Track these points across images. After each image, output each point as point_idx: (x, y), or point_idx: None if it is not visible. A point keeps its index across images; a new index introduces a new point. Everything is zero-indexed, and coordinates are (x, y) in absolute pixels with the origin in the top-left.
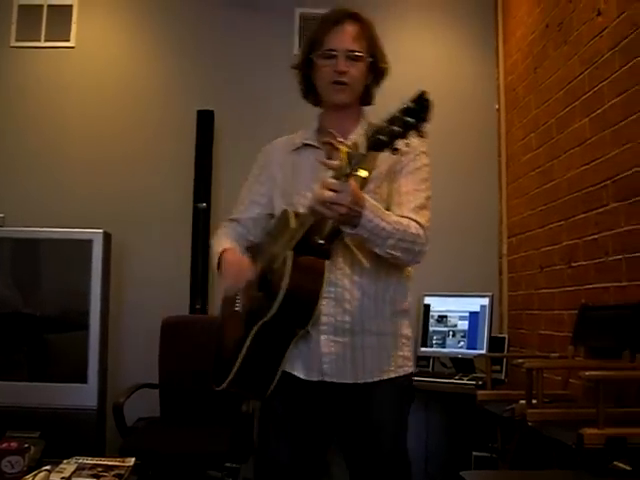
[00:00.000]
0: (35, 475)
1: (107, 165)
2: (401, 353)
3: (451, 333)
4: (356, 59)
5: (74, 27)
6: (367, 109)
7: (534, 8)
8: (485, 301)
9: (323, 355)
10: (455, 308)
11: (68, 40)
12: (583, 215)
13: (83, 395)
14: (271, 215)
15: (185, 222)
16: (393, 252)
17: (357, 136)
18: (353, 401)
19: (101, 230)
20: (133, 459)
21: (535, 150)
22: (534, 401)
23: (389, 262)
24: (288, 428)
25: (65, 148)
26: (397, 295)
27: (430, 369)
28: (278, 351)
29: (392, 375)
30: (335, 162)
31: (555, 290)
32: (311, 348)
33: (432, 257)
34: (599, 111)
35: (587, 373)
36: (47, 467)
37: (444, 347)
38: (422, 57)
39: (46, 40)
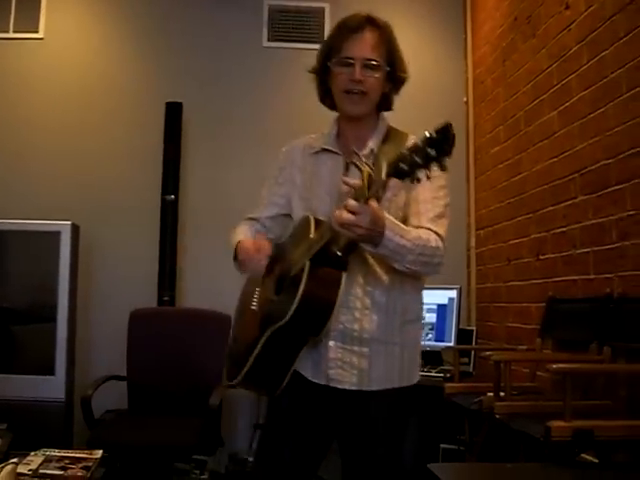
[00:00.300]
0: (2, 468)
1: (75, 157)
2: (407, 364)
3: None
4: (373, 68)
5: (43, 18)
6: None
7: (502, 1)
8: (453, 294)
9: (330, 360)
10: (423, 300)
11: (37, 31)
12: (551, 208)
13: (51, 387)
14: (288, 216)
15: (153, 214)
16: (412, 267)
17: (374, 144)
18: (356, 408)
19: (69, 222)
20: (101, 451)
21: (503, 143)
22: (502, 394)
23: (405, 273)
24: (291, 425)
25: (33, 140)
26: (409, 304)
27: None
28: (289, 354)
29: (396, 385)
30: (357, 182)
31: (523, 283)
32: (320, 352)
33: None
34: (567, 104)
35: (554, 366)
36: (14, 459)
37: None
38: None
39: (14, 31)
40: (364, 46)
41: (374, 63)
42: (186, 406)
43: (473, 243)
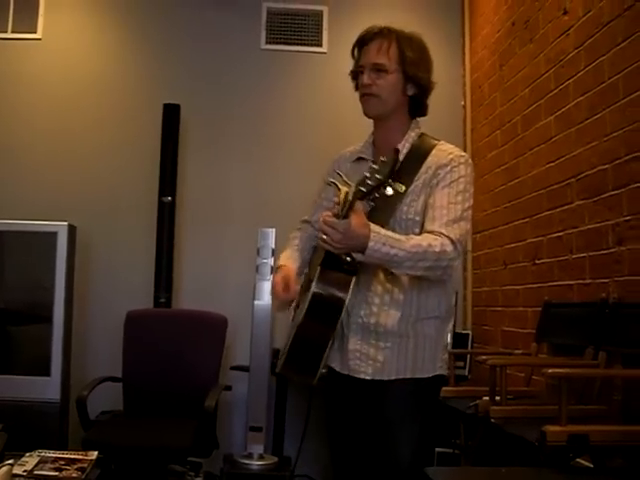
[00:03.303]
0: None
1: (73, 158)
2: (421, 355)
3: None
4: (381, 70)
5: (41, 19)
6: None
7: (501, 6)
8: None
9: (349, 352)
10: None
11: (35, 32)
12: (547, 212)
13: (46, 388)
14: None
15: (150, 215)
16: (413, 272)
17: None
18: (369, 397)
19: (66, 223)
20: (96, 452)
21: (500, 147)
22: (497, 398)
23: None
24: (334, 414)
25: (30, 140)
26: (427, 302)
27: None
28: (317, 347)
29: (408, 375)
30: (337, 201)
31: (519, 287)
32: (343, 345)
33: None
34: (564, 109)
35: (550, 370)
36: (10, 461)
37: None
38: None
39: (13, 31)
40: (371, 53)
41: (381, 66)
42: (181, 408)
43: (470, 247)
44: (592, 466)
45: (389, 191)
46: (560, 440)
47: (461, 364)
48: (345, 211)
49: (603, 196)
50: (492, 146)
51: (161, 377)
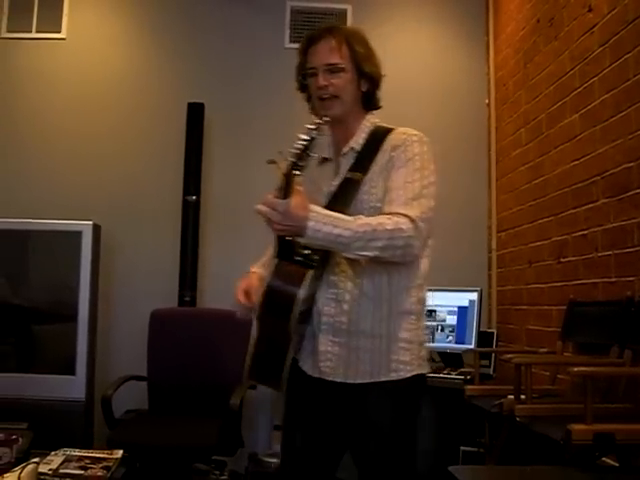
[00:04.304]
0: (23, 467)
1: (97, 157)
2: (395, 357)
3: (440, 328)
4: (336, 70)
5: (65, 18)
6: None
7: (525, 3)
8: (474, 296)
9: (320, 354)
10: (444, 303)
11: (59, 31)
12: (572, 211)
13: (71, 387)
14: None
15: (175, 215)
16: (367, 253)
17: (355, 143)
18: (346, 401)
19: (91, 222)
20: (121, 451)
21: (525, 145)
22: (522, 396)
23: (392, 263)
24: (299, 418)
25: (55, 140)
26: (399, 294)
27: None
28: (279, 348)
29: (383, 379)
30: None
31: (544, 285)
32: (314, 346)
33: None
34: (589, 107)
35: (575, 369)
36: (35, 459)
37: (432, 341)
38: (413, 52)
39: (37, 31)
40: (322, 53)
41: (335, 66)
42: (206, 406)
43: (494, 245)
44: (618, 465)
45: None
46: (586, 439)
47: (486, 363)
48: (284, 190)
49: (628, 194)
50: (517, 144)
51: (186, 376)
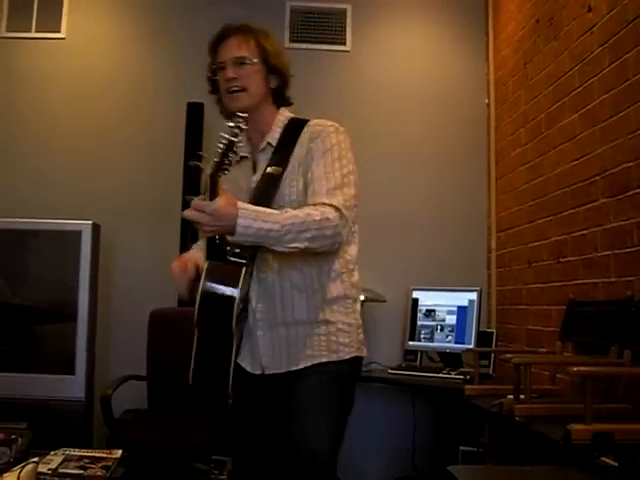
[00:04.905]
0: (23, 467)
1: (97, 157)
2: (334, 339)
3: (439, 327)
4: (243, 63)
5: (65, 18)
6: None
7: (525, 3)
8: (473, 296)
9: (261, 349)
10: (443, 302)
11: (59, 31)
12: (572, 211)
13: (71, 386)
14: None
15: (174, 214)
16: (296, 245)
17: (271, 138)
18: (288, 387)
19: (90, 221)
20: (120, 451)
21: (524, 145)
22: (522, 396)
23: (319, 253)
24: (246, 416)
25: (55, 139)
26: (330, 283)
27: (418, 363)
28: (223, 352)
29: (324, 360)
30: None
31: (543, 285)
32: (253, 343)
33: (420, 251)
34: (589, 107)
35: (575, 369)
36: (35, 459)
37: (432, 341)
38: (412, 52)
39: (37, 31)
40: (229, 48)
41: (243, 59)
42: (206, 406)
43: (494, 245)
44: (617, 465)
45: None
46: (585, 439)
47: (485, 362)
48: (210, 191)
49: (628, 194)
50: (516, 144)
51: (185, 375)
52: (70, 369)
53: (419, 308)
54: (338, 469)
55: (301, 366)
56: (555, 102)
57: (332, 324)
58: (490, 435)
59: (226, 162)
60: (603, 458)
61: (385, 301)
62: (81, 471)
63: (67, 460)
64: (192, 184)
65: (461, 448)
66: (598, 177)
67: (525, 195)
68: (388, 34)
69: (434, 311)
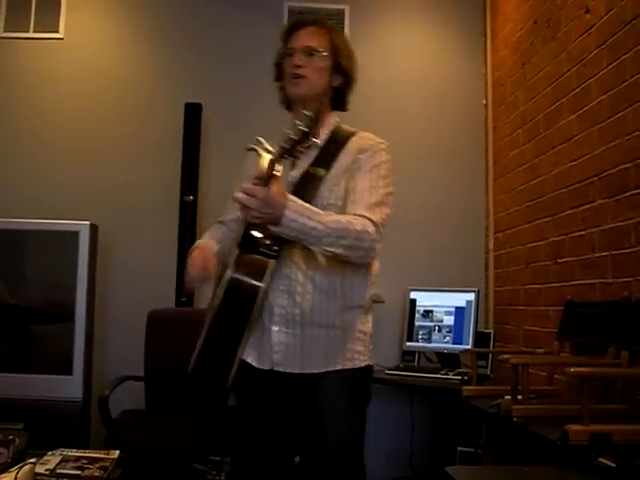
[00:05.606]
0: (20, 468)
1: (94, 157)
2: (351, 346)
3: (437, 328)
4: (312, 54)
5: (63, 18)
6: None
7: (522, 4)
8: (471, 296)
9: (274, 345)
10: (441, 303)
11: (57, 31)
12: (570, 211)
13: (68, 387)
14: None
15: (172, 215)
16: (333, 249)
17: (319, 140)
18: (299, 391)
19: (88, 222)
20: (118, 451)
21: (522, 146)
22: (519, 397)
23: (346, 260)
24: (250, 411)
25: (52, 139)
26: (352, 290)
27: (415, 364)
28: (230, 343)
29: (338, 367)
30: (258, 168)
31: (541, 286)
32: (264, 338)
33: (418, 252)
34: (587, 108)
35: (572, 369)
36: (32, 460)
37: (430, 342)
38: (410, 52)
39: (35, 31)
40: (303, 36)
41: (313, 50)
42: (204, 407)
43: (491, 246)
44: (615, 465)
45: (313, 144)
46: (582, 439)
47: (483, 363)
48: (265, 177)
49: (625, 195)
50: (514, 145)
51: (183, 376)
52: (68, 369)
53: (417, 309)
54: None
55: (316, 370)
56: (553, 103)
57: (350, 332)
58: (488, 436)
59: (291, 152)
60: (600, 459)
61: (383, 302)
62: (79, 472)
63: (64, 461)
64: (190, 184)
65: (459, 449)
66: (596, 178)
67: (523, 196)
68: (386, 34)
69: (432, 312)
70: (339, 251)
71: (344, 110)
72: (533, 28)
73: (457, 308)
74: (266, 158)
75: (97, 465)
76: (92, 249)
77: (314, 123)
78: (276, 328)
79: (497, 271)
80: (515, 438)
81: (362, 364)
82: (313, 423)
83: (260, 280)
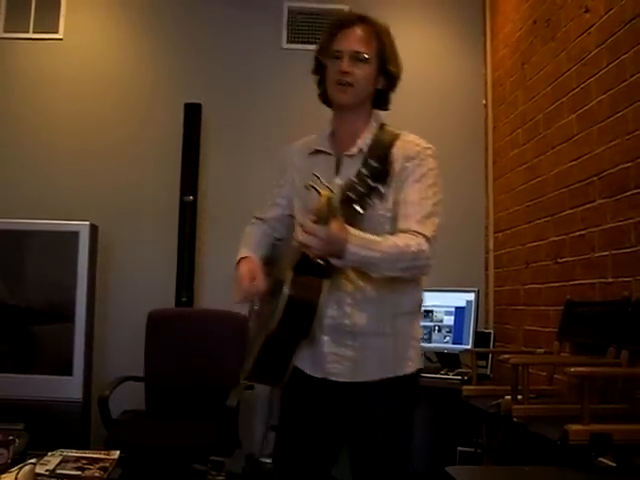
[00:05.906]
0: (20, 468)
1: (94, 157)
2: (402, 353)
3: (437, 328)
4: (362, 60)
5: (62, 19)
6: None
7: (522, 4)
8: (471, 296)
9: (326, 355)
10: (441, 303)
11: (57, 32)
12: (570, 211)
13: (68, 387)
14: (292, 216)
15: (172, 215)
16: (390, 274)
17: (363, 144)
18: (353, 399)
19: (87, 222)
20: (118, 452)
21: (522, 146)
22: (519, 397)
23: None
24: (299, 421)
25: (52, 140)
26: (402, 299)
27: None
28: (285, 354)
29: (390, 375)
30: (318, 206)
31: (541, 286)
32: (316, 348)
33: None
34: (586, 107)
35: (572, 369)
36: (32, 460)
37: (430, 342)
38: (410, 52)
39: (34, 32)
40: (352, 39)
41: (362, 55)
42: (203, 407)
43: (491, 246)
44: (615, 465)
45: (377, 200)
46: (582, 439)
47: (483, 363)
48: (325, 216)
49: (626, 194)
50: (514, 144)
51: (183, 376)
52: (68, 370)
53: None
54: (336, 469)
55: (369, 379)
56: (553, 102)
57: (403, 339)
58: (488, 436)
59: (357, 203)
60: (601, 458)
61: None
62: (79, 472)
63: (65, 461)
64: (190, 185)
65: (459, 449)
66: (596, 177)
67: (523, 195)
68: None
69: (432, 312)
70: (396, 274)
71: (386, 109)
72: (533, 28)
73: (457, 308)
74: (325, 195)
75: (97, 465)
76: (92, 249)
77: (382, 175)
78: (327, 338)
79: (497, 271)
80: (515, 438)
81: (413, 370)
82: (364, 430)
83: (317, 298)
